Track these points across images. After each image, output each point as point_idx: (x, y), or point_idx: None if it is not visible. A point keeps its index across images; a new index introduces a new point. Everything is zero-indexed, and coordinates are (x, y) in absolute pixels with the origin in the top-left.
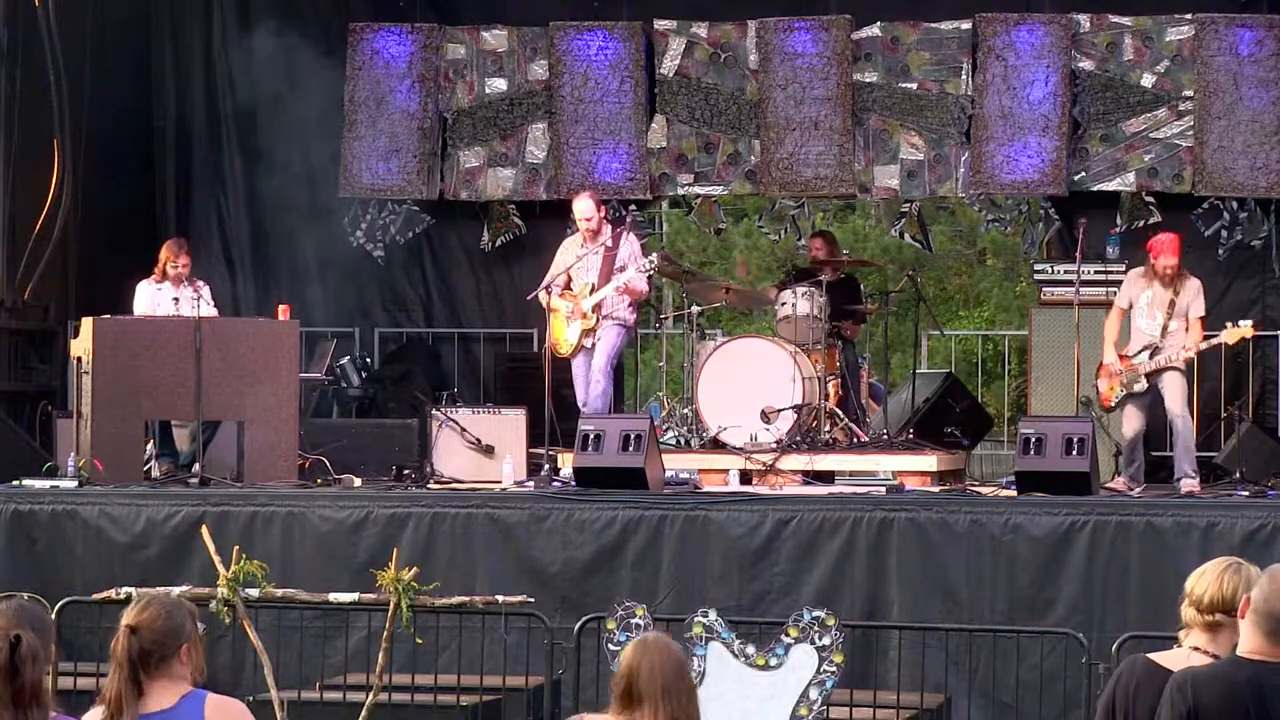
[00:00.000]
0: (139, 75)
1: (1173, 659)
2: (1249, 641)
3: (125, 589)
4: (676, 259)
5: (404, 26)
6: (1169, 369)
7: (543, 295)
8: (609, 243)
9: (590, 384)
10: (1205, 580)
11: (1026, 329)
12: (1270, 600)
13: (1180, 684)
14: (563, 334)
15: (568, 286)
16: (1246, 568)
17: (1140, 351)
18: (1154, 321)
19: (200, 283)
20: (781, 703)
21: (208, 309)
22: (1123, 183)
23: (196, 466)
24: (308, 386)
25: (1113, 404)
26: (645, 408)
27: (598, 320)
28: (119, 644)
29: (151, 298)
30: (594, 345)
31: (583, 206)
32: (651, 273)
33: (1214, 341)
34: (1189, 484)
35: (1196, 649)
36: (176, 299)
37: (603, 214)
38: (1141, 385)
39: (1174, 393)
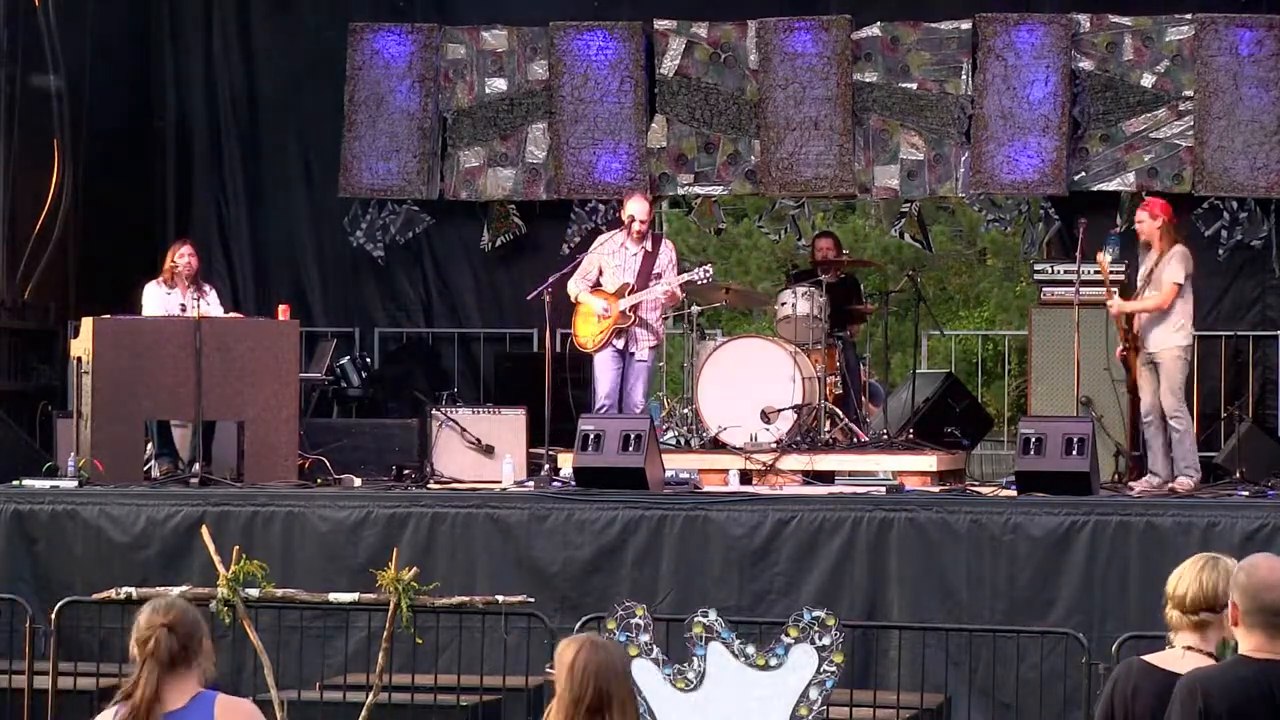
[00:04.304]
0: (139, 75)
1: (1167, 659)
2: (1249, 641)
3: (125, 589)
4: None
5: (404, 26)
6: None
7: (572, 287)
8: (649, 246)
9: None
10: (1185, 581)
11: (1026, 329)
12: (1256, 596)
13: (1190, 686)
14: (589, 330)
15: (597, 284)
16: (1223, 561)
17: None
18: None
19: (208, 287)
20: (781, 703)
21: (216, 313)
22: (1123, 183)
23: (196, 467)
24: (308, 386)
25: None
26: (645, 407)
27: (633, 321)
28: (157, 644)
29: (161, 302)
30: (624, 346)
31: (641, 207)
32: (706, 281)
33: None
34: (1181, 482)
35: (1189, 649)
36: (184, 305)
37: (653, 217)
38: (1119, 369)
39: (1161, 382)
